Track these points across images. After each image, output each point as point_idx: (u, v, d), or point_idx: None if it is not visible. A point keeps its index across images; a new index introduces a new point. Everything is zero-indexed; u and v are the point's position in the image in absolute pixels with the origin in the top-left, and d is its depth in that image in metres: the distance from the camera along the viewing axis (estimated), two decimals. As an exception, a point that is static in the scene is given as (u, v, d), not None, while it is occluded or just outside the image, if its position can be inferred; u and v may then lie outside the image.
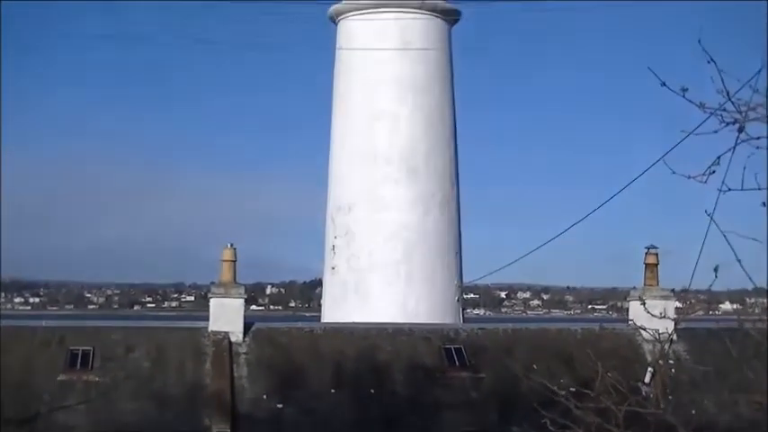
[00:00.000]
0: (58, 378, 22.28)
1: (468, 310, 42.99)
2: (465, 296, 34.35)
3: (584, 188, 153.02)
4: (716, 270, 9.68)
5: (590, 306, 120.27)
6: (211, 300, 24.08)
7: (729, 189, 8.95)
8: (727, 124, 8.68)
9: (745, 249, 9.13)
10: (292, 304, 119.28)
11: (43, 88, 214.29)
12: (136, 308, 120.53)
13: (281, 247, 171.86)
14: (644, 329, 13.05)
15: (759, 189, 8.74)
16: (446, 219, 31.41)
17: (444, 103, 32.00)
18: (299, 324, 26.09)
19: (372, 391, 22.85)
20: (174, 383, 22.63)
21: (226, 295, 23.88)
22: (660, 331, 13.28)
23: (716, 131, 8.77)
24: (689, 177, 8.95)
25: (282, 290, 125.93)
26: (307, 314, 72.21)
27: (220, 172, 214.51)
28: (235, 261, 24.28)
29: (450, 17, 32.26)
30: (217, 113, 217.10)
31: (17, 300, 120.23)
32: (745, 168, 8.65)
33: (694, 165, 9.02)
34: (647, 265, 25.14)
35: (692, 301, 15.05)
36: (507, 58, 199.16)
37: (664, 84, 8.91)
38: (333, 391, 22.78)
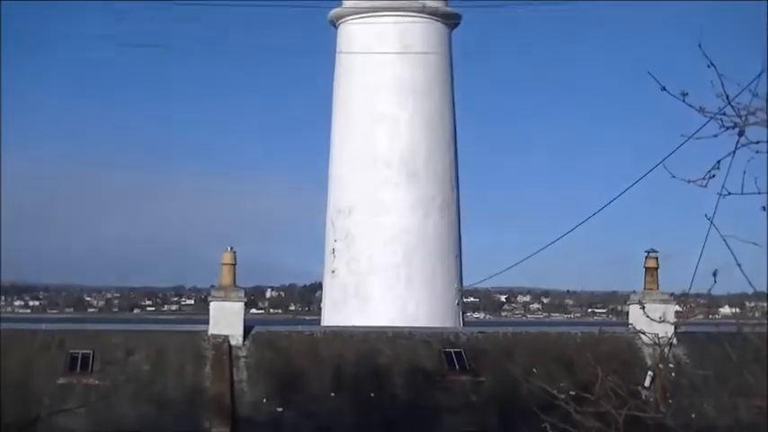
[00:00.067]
0: (58, 381, 22.25)
1: (468, 314, 42.99)
2: (465, 300, 34.32)
3: (584, 192, 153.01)
4: (715, 274, 9.69)
5: (590, 310, 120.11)
6: (211, 303, 24.08)
7: (729, 193, 8.96)
8: (727, 128, 8.68)
9: (745, 253, 9.14)
10: (292, 308, 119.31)
11: (43, 88, 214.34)
12: (136, 311, 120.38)
13: (280, 251, 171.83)
14: (644, 333, 13.11)
15: (759, 193, 8.75)
16: (446, 222, 31.39)
17: (444, 106, 31.97)
18: (299, 327, 26.14)
19: (372, 394, 22.83)
20: (173, 387, 22.61)
21: (226, 299, 23.89)
22: (660, 335, 13.31)
23: (716, 135, 8.78)
24: (689, 181, 8.96)
25: (282, 293, 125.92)
26: (307, 317, 72.24)
27: (221, 174, 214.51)
28: (235, 264, 24.30)
29: (451, 21, 32.23)
30: (217, 115, 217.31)
31: (17, 303, 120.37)
32: (745, 172, 8.68)
33: (694, 169, 9.04)
34: (647, 268, 25.13)
35: (692, 304, 15.07)
36: (507, 60, 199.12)
37: (663, 88, 8.92)
38: (333, 394, 22.76)
